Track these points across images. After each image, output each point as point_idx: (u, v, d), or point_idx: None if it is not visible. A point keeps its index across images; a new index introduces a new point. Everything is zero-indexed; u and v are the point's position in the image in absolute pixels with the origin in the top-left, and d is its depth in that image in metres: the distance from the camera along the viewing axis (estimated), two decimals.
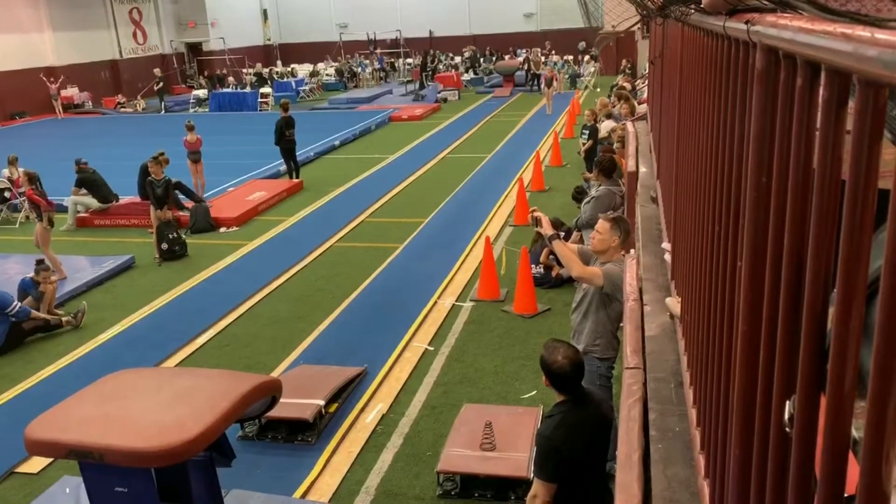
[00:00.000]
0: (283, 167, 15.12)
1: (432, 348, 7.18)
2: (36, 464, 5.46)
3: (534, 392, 6.08)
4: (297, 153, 14.90)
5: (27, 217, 12.98)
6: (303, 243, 10.76)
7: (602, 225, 4.56)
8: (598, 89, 26.11)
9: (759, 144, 1.28)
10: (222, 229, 11.84)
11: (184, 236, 10.87)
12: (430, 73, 30.36)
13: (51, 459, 5.34)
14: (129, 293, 9.13)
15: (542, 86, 24.78)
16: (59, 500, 4.80)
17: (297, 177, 14.79)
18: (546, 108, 23.05)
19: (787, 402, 1.07)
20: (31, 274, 8.31)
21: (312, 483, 5.11)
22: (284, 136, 14.28)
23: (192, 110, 27.86)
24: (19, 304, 7.75)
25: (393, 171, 15.86)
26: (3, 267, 9.84)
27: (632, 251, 4.44)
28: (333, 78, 33.48)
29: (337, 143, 19.12)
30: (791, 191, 1.08)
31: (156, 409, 3.85)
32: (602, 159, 7.65)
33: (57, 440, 3.70)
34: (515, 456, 4.89)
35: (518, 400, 6.04)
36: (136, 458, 3.56)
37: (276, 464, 5.37)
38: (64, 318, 7.99)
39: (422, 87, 28.63)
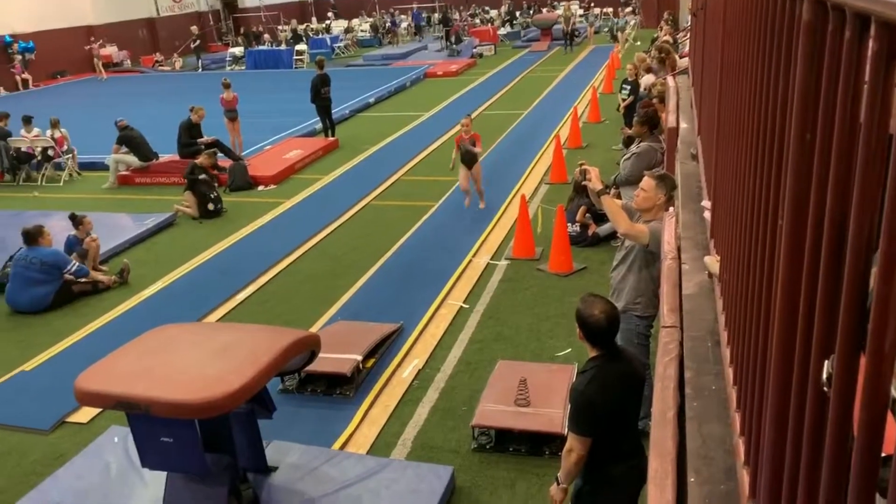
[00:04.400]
0: (319, 125, 15.14)
1: (467, 306, 7.22)
2: (85, 414, 5.67)
3: (568, 350, 6.10)
4: (332, 111, 14.89)
5: (70, 175, 13.27)
6: (338, 202, 10.82)
7: (647, 182, 4.49)
8: (639, 43, 25.49)
9: (803, 99, 1.25)
10: (260, 187, 11.96)
11: (223, 194, 11.02)
12: (451, 30, 29.71)
13: (99, 410, 5.54)
14: (170, 250, 9.32)
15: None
16: (107, 449, 4.99)
17: (333, 135, 14.81)
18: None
19: (826, 362, 1.07)
20: (74, 231, 8.52)
21: (351, 435, 5.22)
22: (320, 94, 14.27)
23: (228, 68, 27.95)
24: (76, 263, 7.97)
25: (428, 128, 15.78)
26: (47, 225, 10.07)
27: (670, 209, 4.38)
28: (368, 34, 33.22)
29: (372, 100, 19.05)
30: (836, 147, 1.05)
31: (199, 362, 3.96)
32: (644, 112, 7.49)
33: (105, 392, 3.83)
34: (550, 412, 4.94)
35: (552, 357, 6.07)
36: (181, 410, 3.68)
37: (315, 416, 5.49)
38: (110, 279, 8.18)
39: (457, 41, 28.23)
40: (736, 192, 2.26)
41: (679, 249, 3.42)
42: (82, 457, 4.97)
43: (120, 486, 4.60)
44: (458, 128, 8.27)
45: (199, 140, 12.37)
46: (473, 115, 16.62)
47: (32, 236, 7.83)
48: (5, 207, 10.93)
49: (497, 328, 6.73)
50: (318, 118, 14.93)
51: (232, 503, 4.24)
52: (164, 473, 4.31)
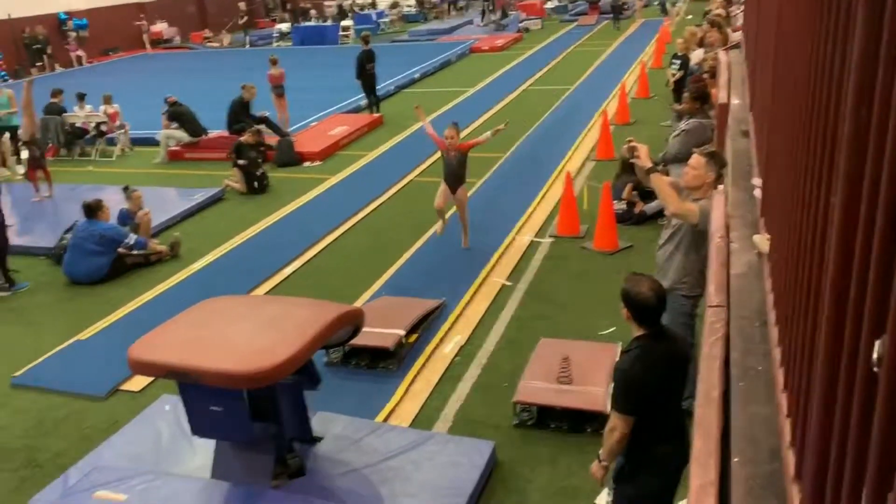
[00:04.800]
0: (364, 101, 15.18)
1: (510, 283, 7.22)
2: (138, 382, 5.85)
3: (612, 329, 6.06)
4: (377, 87, 14.91)
5: (122, 150, 13.58)
6: (383, 178, 10.87)
7: (697, 160, 4.40)
8: (690, 16, 24.87)
9: (860, 73, 1.21)
10: (306, 163, 12.07)
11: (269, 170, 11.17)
12: (491, 3, 29.13)
13: (151, 378, 5.71)
14: (218, 225, 9.50)
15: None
16: (159, 417, 5.15)
17: (378, 111, 14.84)
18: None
19: (877, 342, 1.05)
20: (127, 205, 8.75)
21: (393, 409, 5.29)
22: (365, 70, 14.29)
23: (275, 44, 28.14)
24: (134, 236, 8.20)
25: (472, 104, 15.69)
26: (101, 198, 10.35)
27: (719, 187, 4.30)
28: (414, 9, 33.04)
29: (417, 76, 19.01)
30: (893, 122, 1.02)
31: (247, 334, 4.05)
32: (695, 88, 7.33)
33: (157, 361, 3.95)
34: (592, 390, 4.93)
35: (596, 336, 6.04)
36: (229, 380, 3.78)
37: (359, 389, 5.58)
38: (161, 248, 8.39)
39: (503, 16, 27.89)
40: (788, 169, 2.21)
41: (728, 228, 3.37)
42: (135, 423, 5.14)
43: (171, 453, 4.75)
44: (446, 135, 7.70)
45: (258, 115, 12.54)
46: (519, 91, 16.55)
47: (92, 210, 8.06)
48: (61, 181, 11.25)
49: (539, 306, 6.72)
50: (363, 94, 14.96)
51: (278, 471, 4.35)
52: (213, 441, 4.44)
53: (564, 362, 5.16)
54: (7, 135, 12.51)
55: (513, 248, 8.05)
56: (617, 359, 4.88)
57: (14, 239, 8.36)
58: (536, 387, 5.03)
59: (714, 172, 4.36)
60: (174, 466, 4.58)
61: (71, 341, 6.66)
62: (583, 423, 4.84)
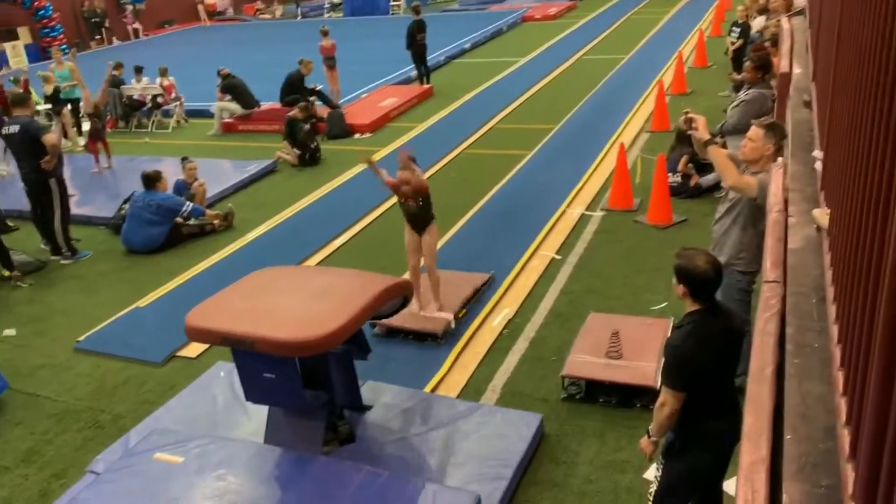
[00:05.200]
0: (415, 72, 15.13)
1: (560, 257, 7.16)
2: (194, 349, 6.02)
3: (664, 304, 5.98)
4: (427, 57, 14.83)
5: (178, 122, 13.85)
6: (433, 150, 10.85)
7: (755, 132, 4.27)
8: None
9: None
10: (356, 135, 12.13)
11: (321, 142, 11.26)
12: None
13: (207, 346, 5.87)
14: (271, 196, 9.64)
15: None
16: (214, 383, 5.30)
17: (428, 82, 14.78)
18: None
19: None
20: (182, 175, 8.94)
21: (441, 379, 5.34)
22: (416, 41, 14.22)
23: (326, 15, 28.20)
24: (190, 204, 8.40)
25: (524, 74, 15.50)
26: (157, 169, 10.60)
27: (779, 159, 4.17)
28: None
29: (468, 46, 18.85)
30: None
31: (300, 303, 4.12)
32: (756, 56, 7.09)
33: (212, 328, 4.05)
34: (642, 365, 4.88)
35: (647, 311, 5.96)
36: (282, 348, 3.86)
37: (408, 360, 5.64)
38: (216, 218, 8.57)
39: None
40: (851, 141, 2.13)
41: (786, 202, 3.27)
42: (191, 389, 5.29)
43: (225, 418, 4.89)
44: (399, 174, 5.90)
45: (311, 87, 12.63)
46: (572, 61, 16.26)
47: (151, 180, 8.27)
48: (119, 153, 11.55)
49: (590, 280, 6.66)
50: (414, 65, 14.91)
51: (329, 438, 4.44)
52: (266, 407, 4.56)
53: (614, 337, 5.12)
54: (69, 106, 12.86)
55: (563, 221, 7.98)
56: (669, 334, 4.83)
57: (75, 209, 8.64)
58: (585, 361, 5.01)
59: (773, 144, 4.23)
60: (229, 431, 4.71)
61: (130, 309, 6.88)
62: (632, 398, 4.81)
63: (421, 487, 3.90)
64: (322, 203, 9.29)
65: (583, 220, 7.95)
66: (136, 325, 6.60)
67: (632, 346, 5.08)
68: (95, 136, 10.95)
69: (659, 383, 3.62)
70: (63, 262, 8.05)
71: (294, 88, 12.53)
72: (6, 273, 7.63)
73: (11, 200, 9.33)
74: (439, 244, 7.66)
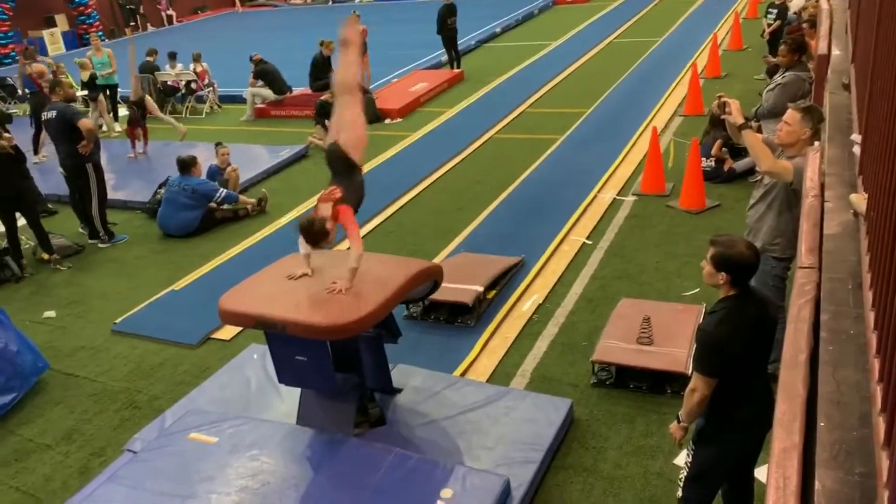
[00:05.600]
0: (445, 57, 15.08)
1: (590, 242, 7.12)
2: (228, 332, 6.12)
3: (696, 290, 5.93)
4: (458, 42, 14.76)
5: (211, 108, 13.99)
6: (463, 134, 10.84)
7: (792, 115, 4.19)
8: None
9: None
10: (387, 120, 12.15)
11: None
12: None
13: (241, 328, 5.96)
14: (303, 181, 9.71)
15: None
16: (247, 365, 5.38)
17: (459, 66, 14.72)
18: None
19: None
20: (216, 161, 9.04)
21: (471, 363, 5.36)
22: (446, 25, 14.16)
23: (357, 0, 28.18)
24: (224, 189, 8.51)
25: (555, 58, 15.37)
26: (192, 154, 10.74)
27: (815, 143, 4.09)
28: None
29: (498, 30, 18.72)
30: None
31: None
32: (792, 38, 6.95)
33: (245, 312, 4.11)
34: (673, 351, 4.85)
35: (679, 297, 5.91)
36: (313, 332, 3.90)
37: (438, 343, 5.66)
38: (249, 202, 8.67)
39: None
40: (891, 124, 2.09)
41: (823, 187, 3.22)
42: (225, 371, 5.38)
43: (259, 399, 4.97)
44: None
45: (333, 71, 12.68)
46: (605, 44, 16.06)
47: (186, 165, 8.39)
48: (154, 138, 11.71)
49: (621, 265, 6.62)
50: (444, 49, 14.86)
51: (360, 420, 4.49)
52: (299, 389, 4.62)
53: (645, 323, 5.09)
54: (106, 92, 13.05)
55: (594, 206, 7.93)
56: (701, 320, 4.79)
57: (112, 193, 8.79)
58: (616, 346, 4.99)
59: (810, 128, 4.15)
60: (262, 412, 4.79)
61: (165, 292, 7.00)
62: (663, 384, 4.78)
63: (451, 470, 3.93)
64: None
65: (614, 205, 7.89)
66: (172, 307, 6.72)
67: (663, 331, 5.05)
68: (135, 122, 11.09)
69: (690, 369, 3.59)
70: (100, 245, 8.22)
71: (319, 71, 12.58)
72: (45, 256, 7.81)
73: (51, 185, 9.53)
74: (471, 227, 7.67)
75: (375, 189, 9.12)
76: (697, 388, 3.08)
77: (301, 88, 13.19)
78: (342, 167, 4.53)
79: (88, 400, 5.46)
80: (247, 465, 4.15)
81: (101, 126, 11.98)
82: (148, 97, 12.23)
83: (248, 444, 4.30)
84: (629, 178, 8.56)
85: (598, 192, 8.25)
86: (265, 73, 13.09)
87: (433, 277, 4.63)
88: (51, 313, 6.83)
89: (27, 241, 7.98)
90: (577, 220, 7.61)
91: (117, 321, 6.53)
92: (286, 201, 8.94)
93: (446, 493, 3.77)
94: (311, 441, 4.29)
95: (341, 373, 4.42)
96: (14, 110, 11.71)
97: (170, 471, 4.18)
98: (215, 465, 4.18)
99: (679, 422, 3.26)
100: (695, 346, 3.19)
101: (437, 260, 6.80)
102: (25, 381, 5.49)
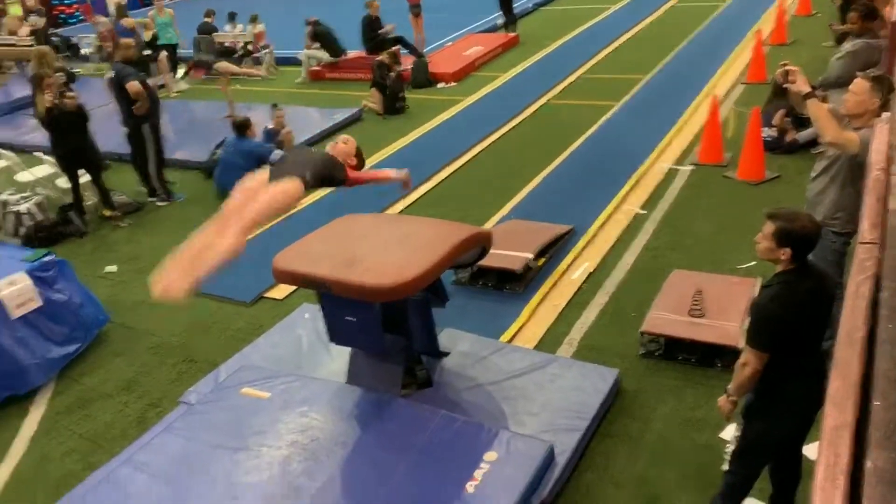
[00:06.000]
0: (501, 20, 14.86)
1: (644, 212, 7.01)
2: (281, 291, 6.24)
3: (752, 263, 5.80)
4: (514, 4, 14.52)
5: (267, 70, 14.10)
6: (517, 100, 10.71)
7: (860, 85, 4.02)
8: None
9: None
10: (440, 85, 12.07)
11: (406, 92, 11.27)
12: None
13: (293, 288, 6.07)
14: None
15: None
16: (299, 324, 5.49)
17: (514, 30, 14.50)
18: None
19: None
20: (271, 124, 9.14)
21: (518, 330, 5.37)
22: None
23: None
24: (279, 151, 8.62)
25: (614, 22, 15.00)
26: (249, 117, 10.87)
27: (883, 115, 3.93)
28: None
29: None
30: None
31: (381, 250, 4.20)
32: (864, 4, 6.64)
33: (297, 272, 4.19)
34: (725, 325, 4.78)
35: (733, 270, 5.80)
36: (364, 293, 3.96)
37: (485, 309, 5.68)
38: None
39: None
40: None
41: (889, 160, 3.09)
42: (278, 329, 5.51)
43: (310, 358, 5.08)
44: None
45: (381, 31, 12.64)
46: (666, 7, 15.59)
47: (241, 127, 8.51)
48: (212, 98, 11.88)
49: (674, 236, 6.51)
50: (500, 12, 14.64)
51: (407, 381, 4.56)
52: (348, 349, 4.71)
53: (697, 295, 5.01)
54: (165, 53, 13.26)
55: (650, 175, 7.78)
56: (755, 294, 4.70)
57: (171, 152, 8.98)
58: (666, 318, 4.94)
59: (879, 98, 3.98)
60: (312, 370, 4.90)
61: None
62: (713, 357, 4.72)
63: (495, 434, 3.97)
64: (405, 152, 9.34)
65: (670, 175, 7.73)
66: (227, 266, 6.86)
67: (715, 304, 4.97)
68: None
69: (742, 343, 3.53)
70: (159, 204, 8.43)
71: (368, 31, 12.55)
72: (107, 213, 8.05)
73: (113, 143, 9.78)
74: (523, 193, 7.62)
75: (427, 154, 9.15)
76: (749, 362, 3.04)
77: (356, 51, 13.19)
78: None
79: (147, 353, 5.66)
80: (297, 420, 4.26)
81: (161, 86, 12.19)
82: (224, 63, 12.35)
83: (299, 401, 4.42)
84: (687, 147, 8.37)
85: (654, 160, 8.09)
86: (321, 35, 13.11)
87: (482, 243, 4.63)
88: (112, 268, 7.07)
89: (89, 197, 8.24)
90: (632, 189, 7.49)
91: None
92: None
93: (490, 455, 3.82)
94: (359, 400, 4.38)
95: (390, 334, 4.48)
96: (77, 70, 12.01)
97: (223, 424, 4.33)
98: (267, 419, 4.31)
99: (728, 395, 3.22)
100: (748, 319, 3.14)
101: (486, 226, 6.79)
102: (88, 333, 5.72)
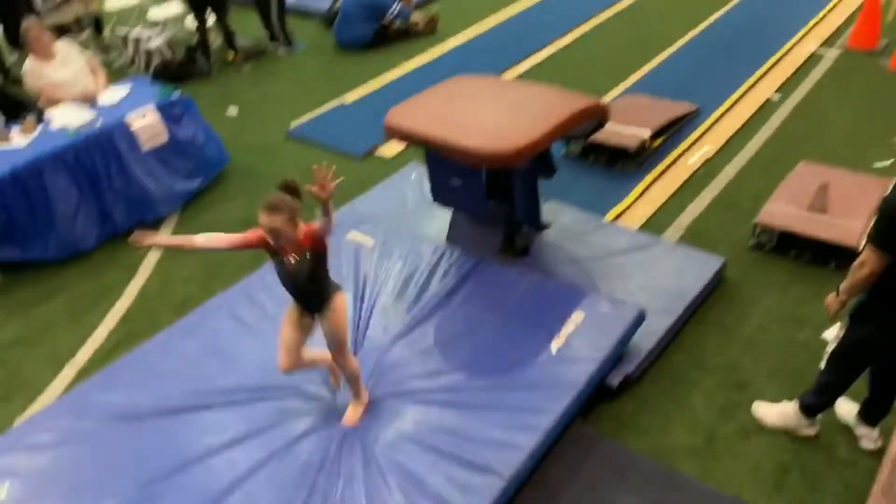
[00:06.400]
0: None
1: (778, 97, 6.53)
2: (391, 149, 6.32)
3: (889, 161, 5.36)
4: None
5: None
6: None
7: None
8: None
9: None
10: None
11: None
12: None
13: (403, 146, 6.12)
14: (475, 4, 9.41)
15: None
16: (406, 182, 5.57)
17: None
18: None
19: None
20: None
21: (625, 210, 5.26)
22: None
23: None
24: (398, 5, 8.47)
25: None
26: None
27: None
28: None
29: None
30: None
31: (493, 114, 4.14)
32: None
33: (408, 129, 4.20)
34: (847, 224, 4.50)
35: (868, 168, 5.39)
36: (471, 156, 3.94)
37: (593, 186, 5.57)
38: (420, 25, 8.58)
39: None
40: None
41: None
42: (385, 185, 5.61)
43: (413, 216, 5.18)
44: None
45: None
46: None
47: None
48: None
49: (807, 126, 6.06)
50: None
51: (505, 247, 4.61)
52: (451, 210, 4.76)
53: (822, 189, 4.72)
54: None
55: (790, 57, 7.18)
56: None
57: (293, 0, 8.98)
58: (784, 210, 4.69)
59: None
60: (415, 228, 5.00)
61: (336, 102, 7.25)
62: (828, 256, 4.49)
63: (584, 295, 3.99)
64: (528, 14, 8.96)
65: (813, 59, 7.10)
66: (341, 119, 6.98)
67: (840, 201, 4.67)
68: None
69: (862, 245, 3.33)
70: (280, 51, 8.54)
71: None
72: (231, 56, 8.25)
73: None
74: (648, 67, 7.24)
75: (548, 19, 8.74)
76: (868, 261, 2.87)
77: None
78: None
79: (263, 195, 5.92)
80: (396, 271, 4.42)
81: None
82: None
83: (400, 254, 4.56)
84: (837, 28, 7.61)
85: (798, 41, 7.43)
86: None
87: (598, 116, 4.47)
88: (233, 110, 7.32)
89: (215, 39, 8.42)
90: (768, 71, 6.96)
91: (292, 126, 6.90)
92: (457, 23, 8.77)
93: (577, 316, 3.86)
94: (456, 260, 4.47)
95: (493, 200, 4.49)
96: None
97: (330, 263, 4.54)
98: (369, 265, 4.49)
99: (838, 294, 3.08)
100: (874, 217, 2.93)
101: (605, 99, 6.53)
102: (210, 171, 6.02)
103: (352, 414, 3.53)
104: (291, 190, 3.16)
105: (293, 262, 3.20)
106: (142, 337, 4.45)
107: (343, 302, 3.35)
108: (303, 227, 3.13)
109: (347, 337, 3.42)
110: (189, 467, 3.32)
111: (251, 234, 3.22)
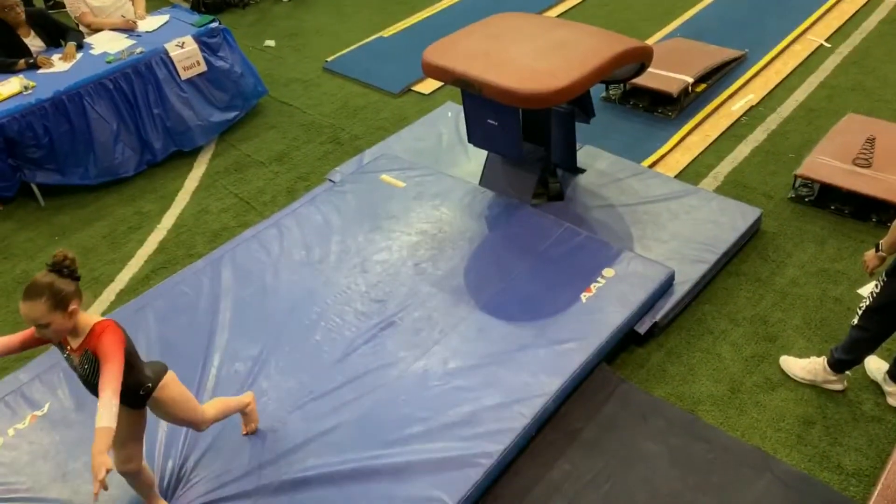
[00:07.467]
0: None
1: (829, 45, 6.30)
2: (428, 85, 6.25)
3: None
4: None
5: None
6: None
7: None
8: None
9: None
10: None
11: None
12: None
13: (440, 84, 6.06)
14: None
15: None
16: (441, 121, 5.54)
17: None
18: None
19: None
20: None
21: (662, 156, 5.18)
22: None
23: None
24: None
25: None
26: None
27: None
28: None
29: None
30: None
31: (533, 54, 4.06)
32: None
33: (447, 67, 4.14)
34: (893, 179, 4.39)
35: None
36: (508, 97, 3.89)
37: (632, 131, 5.48)
38: None
39: None
40: None
41: None
42: (421, 123, 5.59)
43: (448, 154, 5.16)
44: None
45: None
46: None
47: None
48: None
49: (858, 76, 5.85)
50: None
51: (538, 191, 4.59)
52: (485, 152, 4.74)
53: (868, 143, 4.59)
54: None
55: (845, 2, 6.89)
56: None
57: None
58: (827, 163, 4.58)
59: None
60: (448, 168, 5.00)
61: (374, 37, 7.16)
62: (869, 211, 4.40)
63: (617, 252, 3.99)
64: None
65: (870, 5, 6.81)
66: (379, 54, 6.91)
67: (886, 156, 4.54)
68: None
69: None
70: None
71: None
72: None
73: None
74: (695, 9, 6.99)
75: None
76: None
77: None
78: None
79: (299, 129, 5.94)
80: (428, 212, 4.44)
81: None
82: None
83: (432, 195, 4.57)
84: None
85: None
86: None
87: (641, 59, 4.36)
88: (271, 42, 7.28)
89: None
90: (820, 17, 6.69)
91: (329, 59, 6.85)
92: None
93: (608, 272, 3.87)
94: (489, 202, 4.47)
95: (529, 143, 4.45)
96: None
97: (361, 203, 4.58)
98: (400, 206, 4.51)
99: (878, 250, 3.03)
100: None
101: (649, 41, 6.36)
102: (246, 103, 6.04)
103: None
104: (61, 269, 2.36)
105: (76, 361, 2.47)
106: (178, 265, 4.56)
107: (171, 388, 2.70)
108: (92, 320, 2.43)
109: (193, 405, 2.83)
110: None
111: (28, 332, 2.53)
